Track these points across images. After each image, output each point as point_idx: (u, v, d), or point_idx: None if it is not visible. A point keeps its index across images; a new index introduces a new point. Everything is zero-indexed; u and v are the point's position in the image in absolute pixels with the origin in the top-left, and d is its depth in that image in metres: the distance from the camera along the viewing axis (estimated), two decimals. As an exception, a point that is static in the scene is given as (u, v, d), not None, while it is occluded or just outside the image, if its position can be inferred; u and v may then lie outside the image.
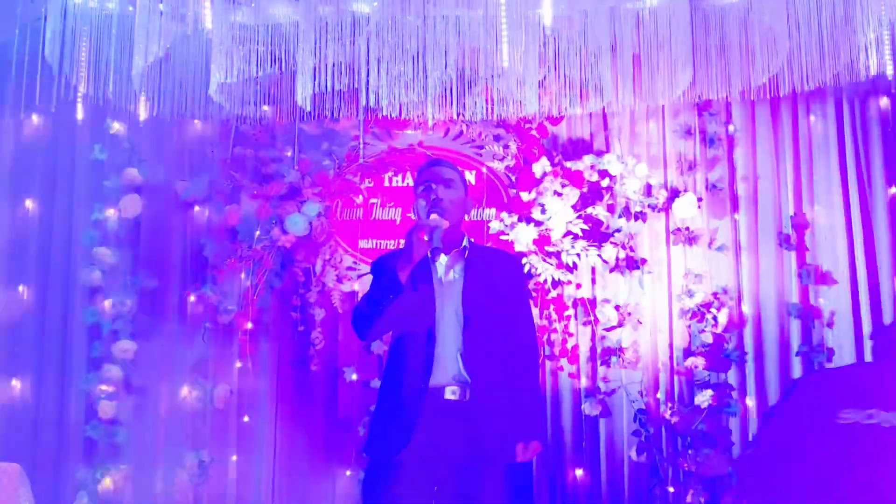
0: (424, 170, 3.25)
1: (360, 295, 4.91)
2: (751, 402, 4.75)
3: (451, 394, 2.92)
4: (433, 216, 2.97)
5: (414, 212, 3.25)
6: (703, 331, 4.76)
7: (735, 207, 4.92)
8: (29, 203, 4.99)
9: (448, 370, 2.95)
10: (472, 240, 3.34)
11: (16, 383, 4.85)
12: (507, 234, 4.85)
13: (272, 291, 5.02)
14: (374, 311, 2.93)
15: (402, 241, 3.11)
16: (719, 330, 4.75)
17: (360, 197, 5.08)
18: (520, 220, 4.86)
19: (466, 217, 3.33)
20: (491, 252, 3.08)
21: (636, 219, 4.89)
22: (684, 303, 4.81)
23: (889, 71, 3.92)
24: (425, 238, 2.91)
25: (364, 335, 3.03)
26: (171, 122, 5.00)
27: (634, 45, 3.84)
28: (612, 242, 4.84)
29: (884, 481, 3.42)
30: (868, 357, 4.63)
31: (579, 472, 4.80)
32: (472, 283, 3.04)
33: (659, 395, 4.81)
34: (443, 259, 3.05)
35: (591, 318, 4.83)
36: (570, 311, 4.86)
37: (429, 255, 3.02)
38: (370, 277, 4.89)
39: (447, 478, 2.90)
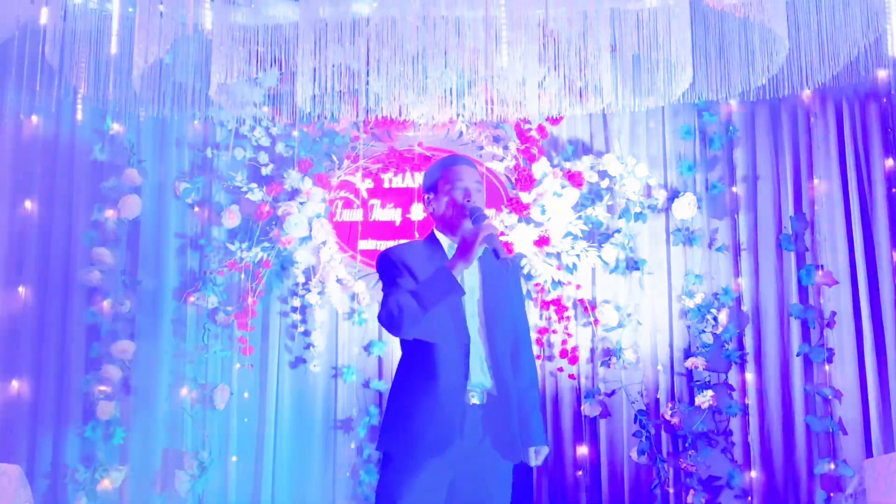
0: (452, 166, 3.08)
1: (361, 295, 4.90)
2: (751, 402, 4.75)
3: (475, 398, 2.92)
4: (487, 221, 2.90)
5: (428, 204, 3.07)
6: (703, 331, 4.76)
7: (735, 207, 4.92)
8: (29, 203, 4.98)
9: (474, 376, 2.94)
10: None
11: (15, 383, 4.85)
12: (507, 235, 4.85)
13: (272, 292, 5.02)
14: (426, 310, 2.82)
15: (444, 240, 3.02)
16: (719, 330, 4.75)
17: (360, 198, 5.08)
18: (520, 220, 4.86)
19: None
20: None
21: (636, 219, 4.89)
22: (684, 303, 4.81)
23: (890, 72, 3.93)
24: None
25: (409, 332, 2.89)
26: (171, 122, 5.01)
27: (634, 45, 3.84)
28: (612, 243, 4.84)
29: None
30: (868, 356, 4.63)
31: (579, 473, 4.80)
32: (488, 289, 3.02)
33: (659, 396, 4.81)
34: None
35: (591, 318, 4.83)
36: (570, 312, 4.85)
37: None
38: (370, 278, 4.88)
39: (459, 478, 2.90)
